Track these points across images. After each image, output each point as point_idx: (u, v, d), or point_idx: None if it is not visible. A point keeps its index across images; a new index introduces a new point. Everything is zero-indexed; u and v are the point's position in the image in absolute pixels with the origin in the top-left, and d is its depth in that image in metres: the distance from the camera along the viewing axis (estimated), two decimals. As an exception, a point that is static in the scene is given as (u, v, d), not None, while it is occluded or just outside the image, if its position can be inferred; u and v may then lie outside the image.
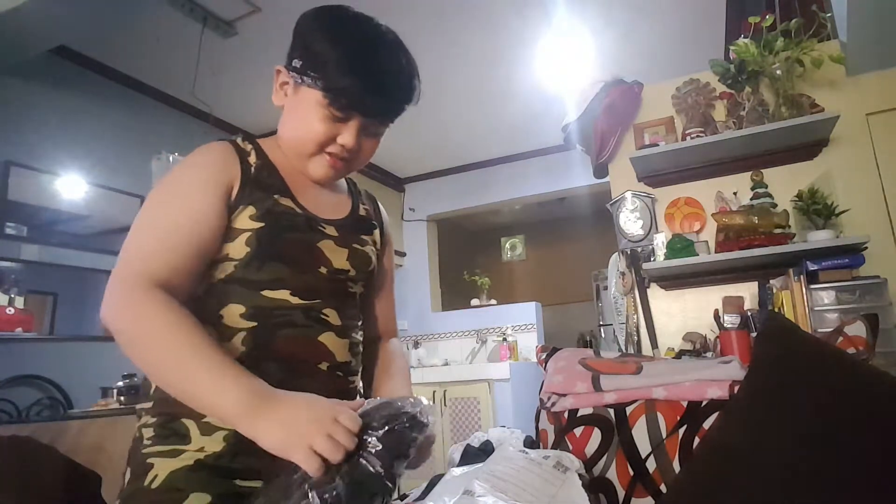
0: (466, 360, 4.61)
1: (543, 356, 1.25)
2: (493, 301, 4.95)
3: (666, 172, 2.44)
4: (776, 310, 1.98)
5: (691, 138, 2.24)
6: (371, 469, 0.65)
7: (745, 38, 2.19)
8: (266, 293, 0.82)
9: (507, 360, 4.02)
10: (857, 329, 1.03)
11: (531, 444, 1.14)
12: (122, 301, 0.74)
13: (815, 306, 1.89)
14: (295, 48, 0.87)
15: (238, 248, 0.82)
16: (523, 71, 3.55)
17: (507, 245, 7.07)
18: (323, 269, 0.88)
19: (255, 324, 0.81)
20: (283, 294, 0.83)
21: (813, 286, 1.91)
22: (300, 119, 0.87)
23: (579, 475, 0.83)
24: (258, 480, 0.76)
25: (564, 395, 1.12)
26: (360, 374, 0.96)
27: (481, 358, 4.56)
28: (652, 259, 2.29)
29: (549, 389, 1.15)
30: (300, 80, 0.86)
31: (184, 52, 3.08)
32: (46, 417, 2.57)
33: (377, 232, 1.04)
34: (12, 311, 2.63)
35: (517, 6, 2.93)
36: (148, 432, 0.80)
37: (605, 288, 4.84)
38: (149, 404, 0.82)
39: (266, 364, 0.79)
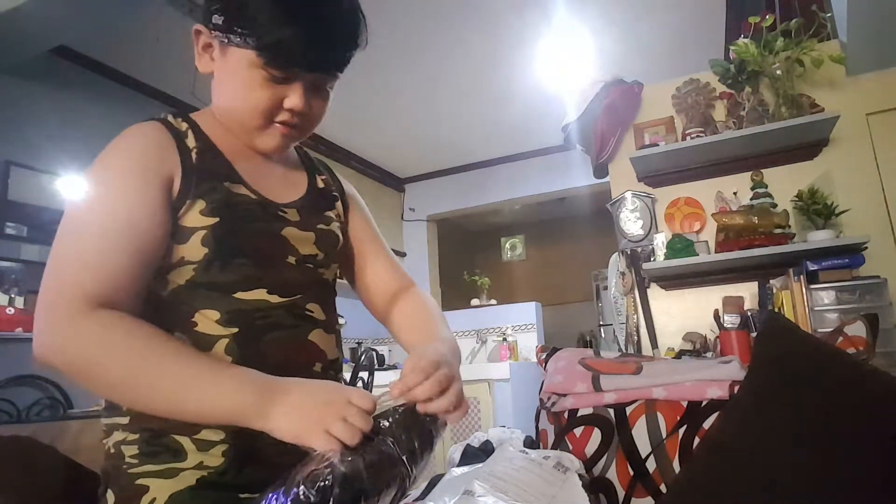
0: (466, 360, 4.61)
1: (543, 356, 1.25)
2: (493, 301, 4.95)
3: (666, 172, 2.44)
4: (776, 310, 1.98)
5: (691, 138, 2.24)
6: (389, 450, 0.62)
7: (745, 38, 2.19)
8: (240, 295, 0.73)
9: (507, 360, 4.02)
10: (857, 329, 1.03)
11: (531, 444, 1.14)
12: (60, 331, 0.63)
13: (815, 306, 1.89)
14: (213, 0, 0.74)
15: (193, 250, 0.72)
16: (523, 71, 3.55)
17: (507, 245, 7.07)
18: (291, 259, 0.79)
19: (235, 329, 0.72)
20: (260, 293, 0.74)
21: (813, 286, 1.91)
22: (235, 87, 0.75)
23: (579, 475, 0.83)
24: None
25: (564, 395, 1.12)
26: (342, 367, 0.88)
27: (481, 358, 4.55)
28: (652, 259, 2.29)
29: (549, 389, 1.15)
30: (226, 40, 0.73)
31: (184, 52, 3.07)
32: (46, 417, 2.57)
33: (339, 203, 0.93)
34: (12, 311, 2.63)
35: (517, 6, 2.93)
36: (130, 450, 0.70)
37: (605, 288, 4.84)
38: (123, 419, 0.72)
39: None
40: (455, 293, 5.48)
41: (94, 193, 0.71)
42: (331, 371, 0.81)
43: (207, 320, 0.72)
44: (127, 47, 3.12)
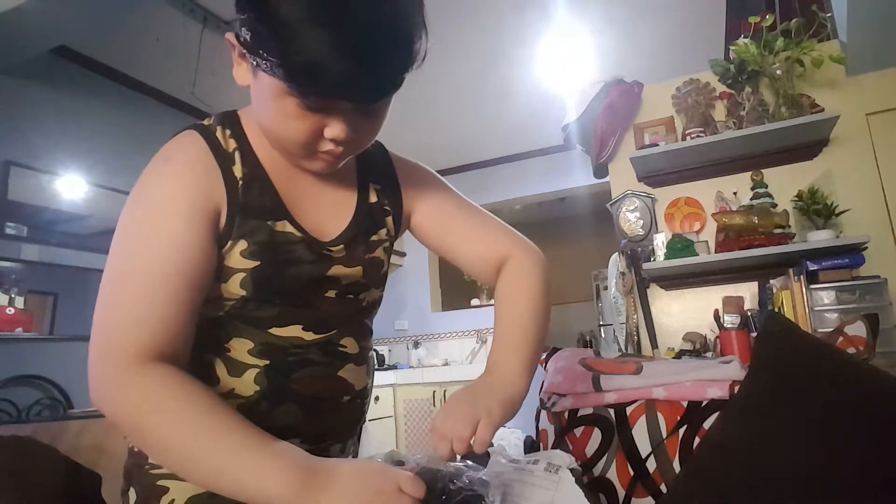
0: (466, 360, 4.61)
1: (543, 356, 1.25)
2: (494, 301, 4.95)
3: (666, 172, 2.44)
4: (776, 310, 1.98)
5: (691, 138, 2.24)
6: None
7: (745, 38, 2.20)
8: (275, 330, 0.72)
9: (507, 360, 4.02)
10: (857, 329, 1.03)
11: (531, 444, 1.14)
12: (110, 386, 0.60)
13: (815, 306, 1.89)
14: (241, 7, 0.62)
15: (232, 289, 0.69)
16: (523, 71, 3.55)
17: (507, 245, 7.07)
18: (331, 293, 0.76)
19: (267, 362, 0.71)
20: (295, 330, 0.73)
21: (813, 286, 1.91)
22: (270, 112, 0.65)
23: (571, 470, 0.83)
24: None
25: (565, 395, 1.12)
26: (372, 388, 0.87)
27: (481, 358, 4.56)
28: (652, 259, 2.29)
29: (550, 389, 1.15)
30: (254, 62, 0.62)
31: (184, 52, 3.08)
32: (46, 417, 2.57)
33: (389, 219, 0.85)
34: (12, 311, 2.63)
35: (517, 6, 2.92)
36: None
37: (605, 288, 4.84)
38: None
39: (287, 404, 0.71)
40: (455, 293, 5.48)
41: (143, 228, 0.65)
42: (358, 400, 0.80)
43: (240, 349, 0.71)
44: (127, 47, 3.11)
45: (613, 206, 2.53)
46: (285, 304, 0.72)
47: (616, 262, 2.58)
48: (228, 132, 0.72)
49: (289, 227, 0.72)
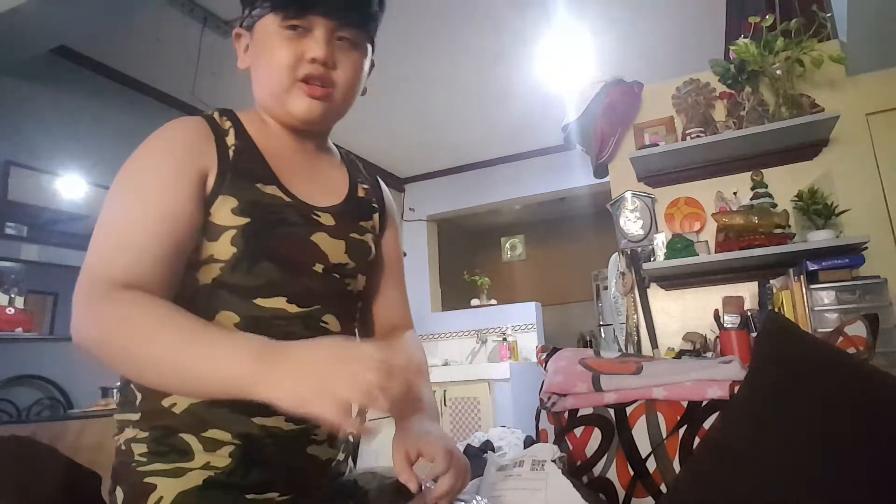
0: (466, 360, 4.61)
1: (543, 356, 1.25)
2: (493, 301, 4.95)
3: (666, 172, 2.44)
4: (776, 310, 1.98)
5: (691, 138, 2.24)
6: None
7: (745, 38, 2.19)
8: (260, 301, 0.73)
9: (507, 360, 4.02)
10: (857, 329, 1.03)
11: (531, 444, 1.14)
12: (86, 309, 0.65)
13: (815, 306, 1.89)
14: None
15: (223, 248, 0.72)
16: (523, 71, 3.55)
17: (507, 245, 7.07)
18: (318, 267, 0.78)
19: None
20: (279, 302, 0.74)
21: (813, 286, 1.91)
22: (263, 58, 0.77)
23: (554, 461, 0.83)
24: (273, 492, 0.71)
25: (565, 395, 1.12)
26: None
27: (481, 358, 4.55)
28: (652, 259, 2.29)
29: (550, 389, 1.15)
30: (253, 18, 0.78)
31: (184, 52, 3.08)
32: (46, 417, 2.57)
33: (377, 216, 0.92)
34: (12, 311, 2.63)
35: (517, 6, 2.92)
36: (139, 448, 0.71)
37: (605, 288, 4.84)
38: (135, 416, 0.73)
39: None
40: (455, 293, 5.48)
41: (133, 180, 0.72)
42: None
43: (227, 322, 0.72)
44: (127, 47, 3.12)
45: (613, 206, 2.53)
46: (274, 269, 0.74)
47: (616, 262, 2.58)
48: (224, 117, 0.80)
49: (278, 192, 0.77)
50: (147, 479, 0.69)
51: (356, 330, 0.89)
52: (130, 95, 3.40)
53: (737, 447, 0.83)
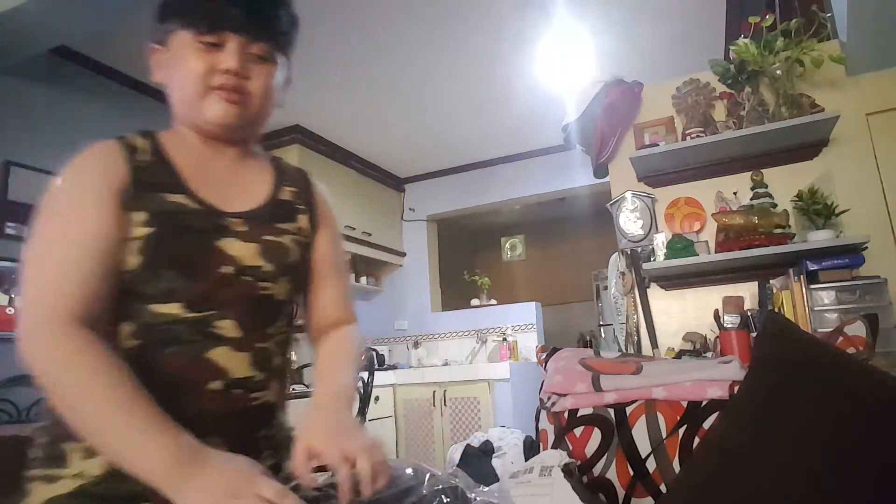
0: (466, 360, 4.61)
1: (543, 356, 1.26)
2: (493, 301, 4.95)
3: (666, 172, 2.44)
4: (776, 310, 1.98)
5: (691, 138, 2.24)
6: None
7: (745, 38, 2.19)
8: (155, 307, 0.75)
9: (507, 360, 4.02)
10: (857, 329, 1.03)
11: (531, 444, 1.14)
12: (39, 343, 0.68)
13: (815, 306, 1.89)
14: (153, 16, 0.84)
15: (131, 259, 0.74)
16: (523, 71, 3.54)
17: (507, 245, 7.07)
18: (226, 270, 0.79)
19: (140, 342, 0.74)
20: (173, 308, 0.75)
21: (813, 286, 1.91)
22: (177, 70, 0.81)
23: (564, 466, 0.84)
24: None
25: (564, 395, 1.12)
26: (275, 386, 0.84)
27: (481, 358, 4.55)
28: (652, 259, 2.29)
29: (550, 389, 1.15)
30: (165, 33, 0.82)
31: (184, 52, 3.08)
32: (46, 417, 2.57)
33: (304, 217, 0.92)
34: (12, 311, 2.63)
35: (517, 6, 2.92)
36: (35, 453, 0.75)
37: (605, 288, 4.84)
38: (46, 423, 0.76)
39: (151, 387, 0.70)
40: (455, 293, 5.48)
41: (60, 212, 0.76)
42: (235, 390, 0.78)
43: (125, 333, 0.75)
44: (127, 47, 3.11)
45: (613, 206, 2.53)
46: (175, 276, 0.75)
47: (616, 262, 2.58)
48: (139, 136, 0.84)
49: (185, 200, 0.79)
50: (30, 484, 0.73)
51: (278, 335, 0.86)
52: (130, 95, 3.40)
53: (737, 447, 0.83)
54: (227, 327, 0.78)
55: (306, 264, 0.92)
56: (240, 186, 0.87)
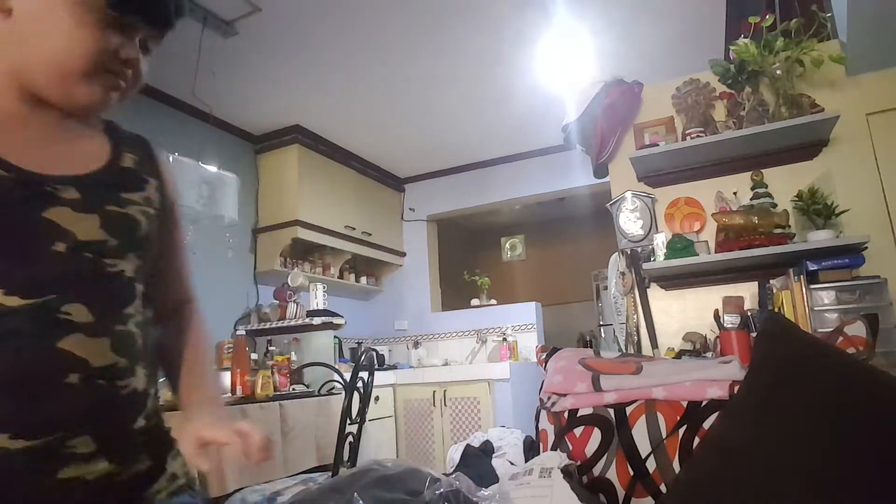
0: (466, 360, 4.61)
1: (543, 356, 1.26)
2: (493, 301, 4.95)
3: (666, 172, 2.44)
4: (776, 310, 1.98)
5: (691, 138, 2.25)
6: None
7: (745, 38, 2.19)
8: None
9: (507, 360, 4.02)
10: (857, 329, 1.03)
11: (531, 444, 1.14)
12: None
13: (815, 306, 1.89)
14: None
15: None
16: (523, 71, 3.54)
17: (507, 245, 7.07)
18: (59, 247, 0.66)
19: None
20: None
21: (813, 286, 1.91)
22: (57, 25, 0.67)
23: (563, 468, 0.84)
24: None
25: (564, 395, 1.12)
26: (141, 372, 0.74)
27: (481, 358, 4.56)
28: (652, 259, 2.29)
29: (549, 389, 1.15)
30: None
31: (184, 52, 3.08)
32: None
33: (152, 188, 0.81)
34: None
35: (517, 6, 2.92)
36: None
37: (605, 288, 4.84)
38: None
39: None
40: (455, 293, 5.48)
41: None
42: (99, 381, 0.67)
43: None
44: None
45: (613, 206, 2.53)
46: None
47: (616, 262, 2.58)
48: None
49: None
50: None
51: (137, 314, 0.76)
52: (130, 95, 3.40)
53: (736, 447, 0.83)
54: (76, 312, 0.66)
55: (154, 239, 0.81)
56: (66, 147, 0.73)
